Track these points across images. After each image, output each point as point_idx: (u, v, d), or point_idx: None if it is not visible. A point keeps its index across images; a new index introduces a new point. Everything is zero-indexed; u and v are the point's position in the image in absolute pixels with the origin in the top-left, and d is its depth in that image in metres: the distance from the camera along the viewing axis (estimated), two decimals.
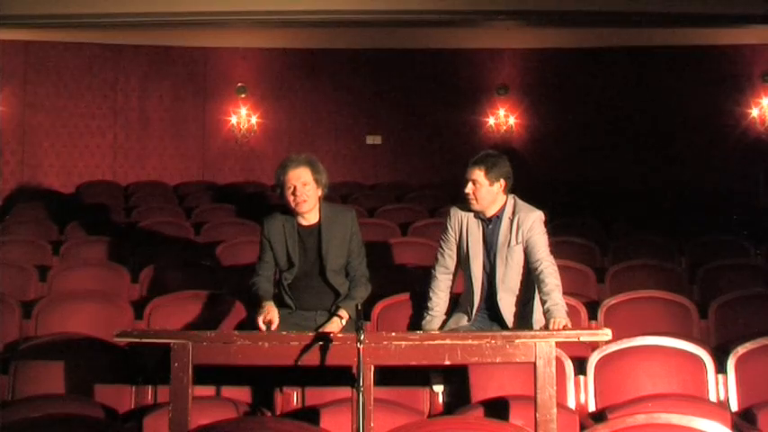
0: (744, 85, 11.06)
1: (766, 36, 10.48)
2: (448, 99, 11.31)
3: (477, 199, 4.38)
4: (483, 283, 4.44)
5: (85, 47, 11.13)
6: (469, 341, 3.56)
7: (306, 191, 4.37)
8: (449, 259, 4.57)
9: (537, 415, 3.45)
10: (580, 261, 6.14)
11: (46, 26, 9.97)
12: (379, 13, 9.27)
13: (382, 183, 10.98)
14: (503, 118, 11.37)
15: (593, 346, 4.36)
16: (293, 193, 4.36)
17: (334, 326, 4.26)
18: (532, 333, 3.64)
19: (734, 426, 3.74)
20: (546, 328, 4.01)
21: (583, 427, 3.72)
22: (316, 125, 11.56)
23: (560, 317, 4.00)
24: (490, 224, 4.45)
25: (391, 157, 11.51)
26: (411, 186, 10.51)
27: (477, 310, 4.45)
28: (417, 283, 5.41)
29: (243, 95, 11.38)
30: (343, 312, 4.34)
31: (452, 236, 4.53)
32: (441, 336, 3.65)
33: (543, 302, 4.14)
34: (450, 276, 4.61)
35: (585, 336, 3.98)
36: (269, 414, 4.06)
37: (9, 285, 5.63)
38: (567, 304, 4.28)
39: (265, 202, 9.14)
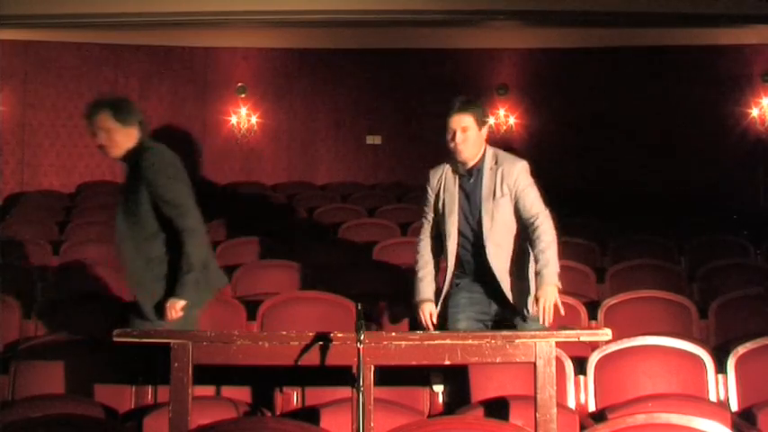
0: (744, 85, 11.05)
1: (766, 36, 10.48)
2: (448, 99, 11.25)
3: (468, 147, 4.17)
4: (458, 242, 4.21)
5: (85, 47, 11.13)
6: (469, 341, 3.56)
7: None
8: (432, 221, 4.35)
9: (537, 415, 3.45)
10: (580, 261, 6.15)
11: (46, 26, 9.97)
12: (380, 13, 9.27)
13: (382, 183, 10.98)
14: (503, 118, 11.37)
15: (594, 345, 4.36)
16: None
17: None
18: (532, 333, 3.64)
19: (734, 426, 3.74)
20: (536, 299, 3.94)
21: (583, 427, 3.72)
22: (316, 125, 11.56)
23: (550, 283, 3.87)
24: (471, 177, 4.24)
25: (391, 157, 11.51)
26: (411, 186, 10.50)
27: (453, 272, 4.24)
28: None
29: (243, 95, 11.38)
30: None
31: (431, 195, 4.33)
32: (441, 336, 3.64)
33: (536, 261, 4.00)
34: (434, 239, 4.34)
35: (585, 336, 3.97)
36: (269, 414, 4.06)
37: None
38: (567, 304, 4.28)
39: (265, 201, 9.15)
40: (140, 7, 9.24)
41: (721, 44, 10.87)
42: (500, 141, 11.17)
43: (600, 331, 3.81)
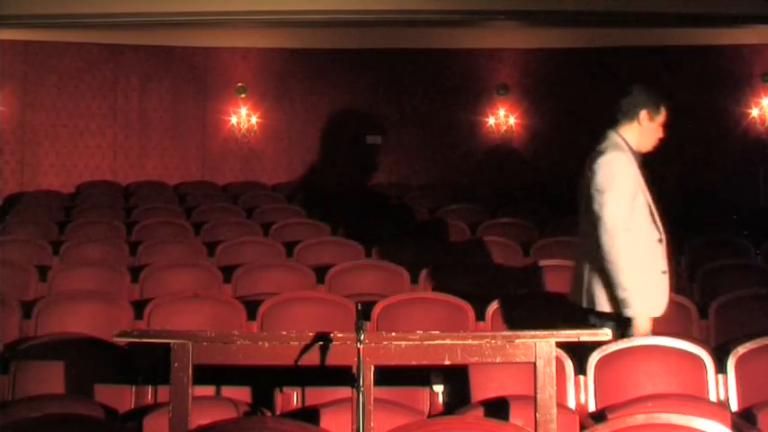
0: (744, 85, 11.06)
1: (766, 36, 10.48)
2: (448, 99, 11.31)
3: None
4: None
5: (85, 47, 11.14)
6: (469, 341, 3.56)
7: None
8: (629, 214, 4.06)
9: (537, 415, 3.44)
10: None
11: (46, 26, 9.97)
12: (379, 13, 9.27)
13: (382, 183, 10.99)
14: (503, 118, 11.37)
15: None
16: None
17: None
18: (532, 333, 3.63)
19: (734, 426, 3.74)
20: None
21: (583, 427, 3.72)
22: (316, 125, 11.57)
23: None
24: None
25: (391, 157, 11.52)
26: (411, 186, 10.51)
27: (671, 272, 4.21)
28: (417, 284, 5.42)
29: (243, 95, 11.39)
30: None
31: (633, 184, 4.13)
32: (441, 336, 3.64)
33: None
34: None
35: (585, 336, 3.98)
36: (269, 414, 4.06)
37: (9, 285, 5.64)
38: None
39: (265, 201, 9.14)
40: (140, 7, 9.24)
41: (721, 44, 10.88)
42: (500, 141, 11.18)
43: (600, 331, 3.81)
